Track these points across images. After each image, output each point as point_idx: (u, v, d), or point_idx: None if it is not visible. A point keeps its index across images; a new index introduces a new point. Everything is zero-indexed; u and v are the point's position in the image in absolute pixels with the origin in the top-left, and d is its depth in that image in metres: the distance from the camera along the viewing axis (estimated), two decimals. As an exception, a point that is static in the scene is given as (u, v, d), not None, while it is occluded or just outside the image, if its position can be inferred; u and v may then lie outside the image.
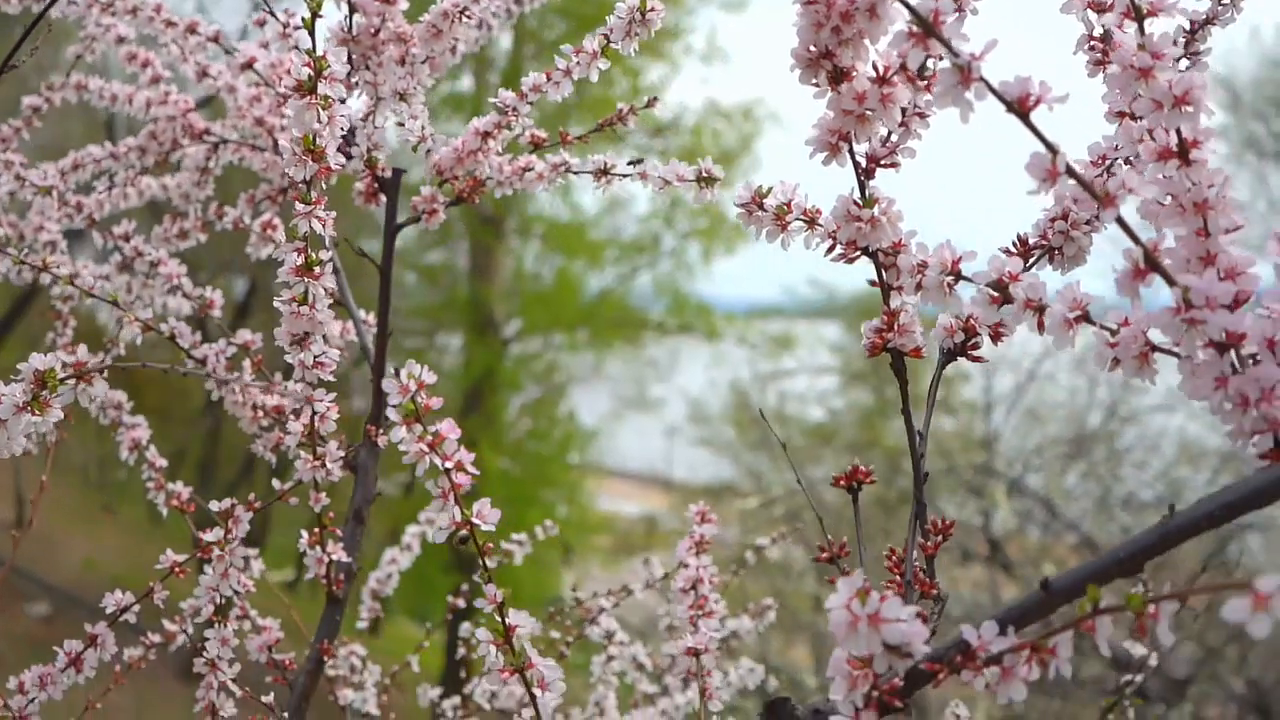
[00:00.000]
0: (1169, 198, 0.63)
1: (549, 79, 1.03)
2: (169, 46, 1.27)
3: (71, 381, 0.76)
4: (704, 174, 0.96)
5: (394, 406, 0.71)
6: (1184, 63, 0.84)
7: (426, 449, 0.72)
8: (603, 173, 1.07)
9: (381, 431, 1.12)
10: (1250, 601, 0.47)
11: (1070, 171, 0.58)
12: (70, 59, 1.40)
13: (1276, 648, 6.22)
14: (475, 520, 0.73)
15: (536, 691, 0.75)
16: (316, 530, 1.08)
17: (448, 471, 0.72)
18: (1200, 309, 0.58)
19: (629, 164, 1.07)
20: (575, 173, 1.09)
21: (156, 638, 1.25)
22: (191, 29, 1.19)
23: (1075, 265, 0.80)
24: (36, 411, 0.76)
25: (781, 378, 10.46)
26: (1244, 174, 9.31)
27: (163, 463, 1.19)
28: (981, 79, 0.58)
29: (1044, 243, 0.80)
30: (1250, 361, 0.60)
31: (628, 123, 1.14)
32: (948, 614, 0.79)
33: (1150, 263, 0.59)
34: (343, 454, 1.03)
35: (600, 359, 12.02)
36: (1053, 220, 0.80)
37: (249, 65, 1.14)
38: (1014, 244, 0.80)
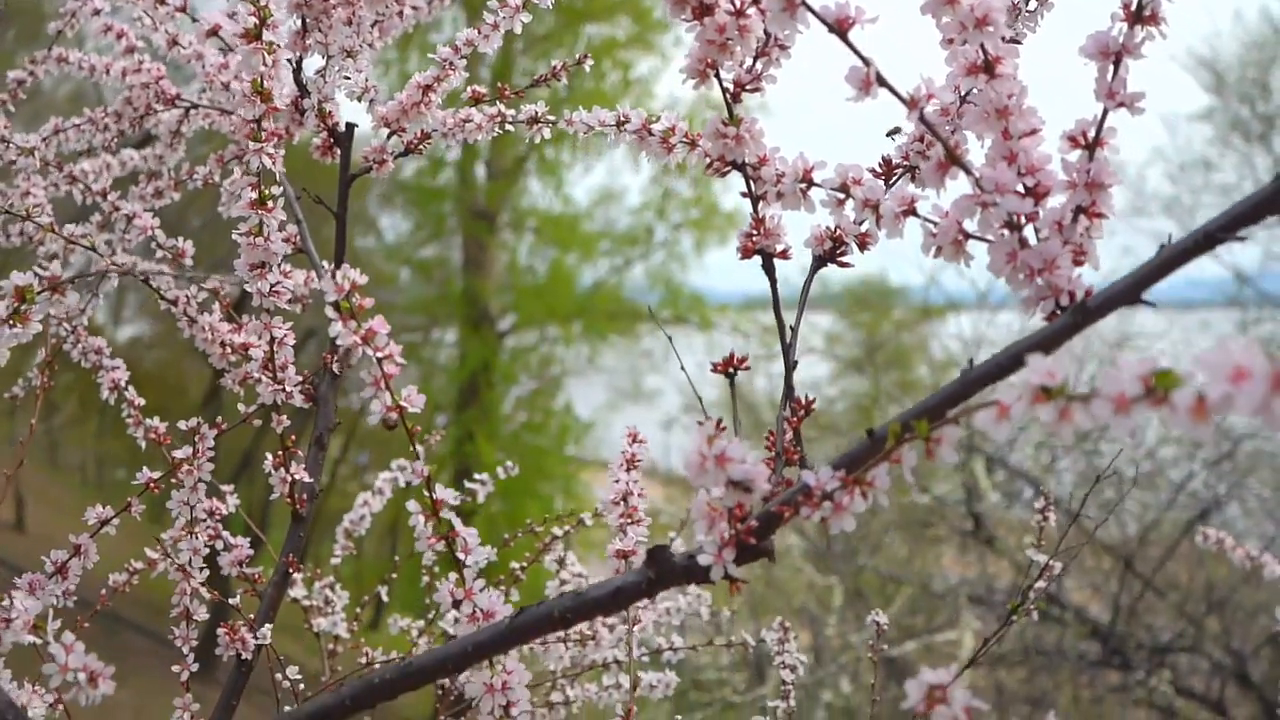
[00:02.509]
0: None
1: (480, 33, 1.14)
2: (142, 18, 1.38)
3: (46, 294, 0.87)
4: (621, 119, 1.07)
5: (330, 304, 0.82)
6: (1032, 3, 0.95)
7: (360, 341, 0.82)
8: (534, 120, 1.18)
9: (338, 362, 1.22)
10: (995, 412, 0.57)
11: (880, 80, 0.69)
12: (52, 34, 1.51)
13: (1257, 620, 6.33)
14: (404, 404, 0.84)
15: (460, 555, 0.85)
16: (280, 452, 1.19)
17: (380, 361, 0.83)
18: (991, 194, 0.68)
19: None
20: (510, 123, 1.20)
21: (139, 565, 1.36)
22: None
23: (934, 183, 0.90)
24: (17, 323, 0.86)
25: (772, 360, 10.56)
26: (1230, 156, 9.40)
27: (141, 401, 1.30)
28: (803, 4, 0.68)
29: (905, 162, 0.90)
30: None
31: (560, 79, 1.25)
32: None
33: (951, 158, 0.70)
34: (300, 379, 1.13)
35: (595, 351, 12.12)
36: (913, 142, 0.90)
37: (214, 32, 1.24)
38: (879, 163, 0.91)
